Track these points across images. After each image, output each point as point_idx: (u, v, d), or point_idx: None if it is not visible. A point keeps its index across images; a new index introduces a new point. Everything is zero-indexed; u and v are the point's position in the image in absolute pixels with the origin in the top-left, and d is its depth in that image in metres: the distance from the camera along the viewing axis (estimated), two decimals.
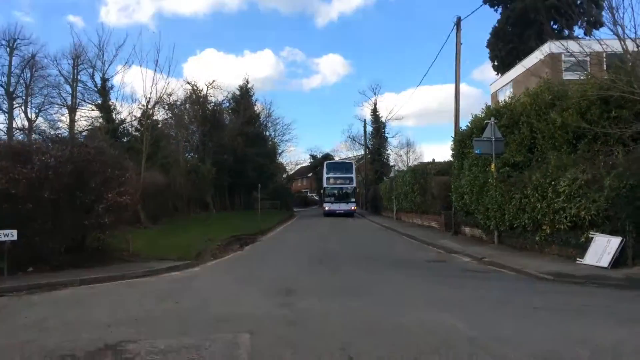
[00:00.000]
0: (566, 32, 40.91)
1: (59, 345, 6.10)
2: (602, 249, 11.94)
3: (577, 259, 12.67)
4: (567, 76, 24.67)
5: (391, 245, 20.81)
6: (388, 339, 6.23)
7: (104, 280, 11.41)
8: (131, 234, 16.22)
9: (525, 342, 5.98)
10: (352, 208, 44.67)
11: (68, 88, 31.93)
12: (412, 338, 6.24)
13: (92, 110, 29.52)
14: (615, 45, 15.02)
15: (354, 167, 48.87)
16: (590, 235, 12.51)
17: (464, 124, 23.51)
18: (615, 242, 11.70)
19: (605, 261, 11.65)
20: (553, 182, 13.97)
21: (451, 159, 26.70)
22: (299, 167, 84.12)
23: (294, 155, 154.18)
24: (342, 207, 43.91)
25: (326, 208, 44.96)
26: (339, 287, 10.68)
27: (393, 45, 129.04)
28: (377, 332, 6.58)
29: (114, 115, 30.06)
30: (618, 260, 11.56)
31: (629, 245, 11.54)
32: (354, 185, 46.43)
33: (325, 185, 46.76)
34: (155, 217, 28.96)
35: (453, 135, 23.14)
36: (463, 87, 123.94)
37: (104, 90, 29.44)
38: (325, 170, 47.80)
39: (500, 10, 43.25)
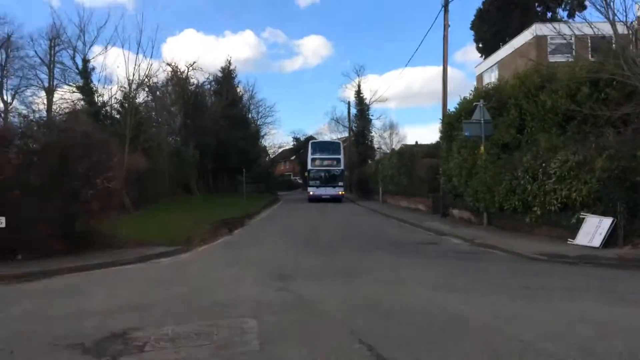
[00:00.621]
0: (549, 14, 41.27)
1: (64, 334, 5.95)
2: (594, 229, 12.09)
3: (569, 239, 12.81)
4: (552, 58, 24.91)
5: (380, 228, 20.84)
6: (394, 321, 6.21)
7: (95, 267, 11.20)
8: (118, 219, 15.95)
9: (531, 322, 6.01)
10: (340, 193, 40.69)
11: (45, 69, 31.23)
12: (419, 320, 6.22)
13: (73, 92, 28.89)
14: (604, 28, 15.13)
15: (341, 147, 44.77)
16: (581, 216, 12.65)
17: (449, 106, 23.62)
18: (606, 222, 11.85)
19: (597, 241, 11.81)
20: (544, 164, 14.08)
21: (437, 141, 26.87)
22: (281, 150, 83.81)
23: (277, 138, 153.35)
24: (328, 191, 40.03)
25: (310, 193, 40.90)
26: (334, 269, 10.66)
27: (375, 26, 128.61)
28: (381, 315, 6.56)
29: (95, 98, 29.45)
30: (609, 241, 11.73)
31: (620, 225, 11.69)
32: (342, 167, 42.16)
33: (310, 167, 42.16)
34: (139, 202, 28.59)
35: (441, 118, 23.16)
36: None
37: (86, 72, 28.77)
38: (310, 150, 43.44)
39: None
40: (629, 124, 13.06)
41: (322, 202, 38.20)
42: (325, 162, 41.50)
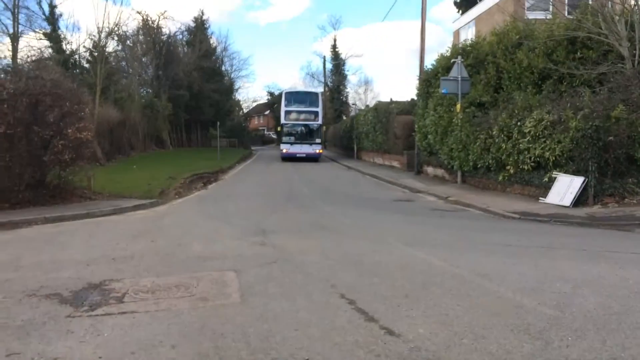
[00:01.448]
0: None
1: (40, 284, 5.88)
2: (565, 188, 12.35)
3: (540, 198, 13.09)
4: (531, 15, 24.82)
5: (356, 184, 20.98)
6: (373, 275, 6.27)
7: (69, 218, 11.08)
8: (91, 171, 15.70)
9: (507, 278, 6.15)
10: (318, 151, 36.01)
11: (9, 15, 29.87)
12: (397, 275, 6.30)
13: (40, 39, 27.73)
14: None
15: (320, 98, 38.58)
16: (553, 175, 12.90)
17: (426, 62, 23.51)
18: (577, 181, 12.11)
19: (567, 200, 12.09)
20: (519, 123, 14.20)
21: (413, 98, 26.86)
22: (255, 104, 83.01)
23: (251, 92, 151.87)
24: (304, 149, 35.47)
25: (284, 150, 36.29)
26: (311, 224, 10.73)
27: None
28: (360, 269, 6.61)
29: (64, 46, 28.37)
30: (579, 200, 12.03)
31: (591, 184, 11.98)
32: (320, 122, 36.73)
33: (283, 120, 36.89)
34: (111, 154, 28.23)
35: (418, 75, 23.04)
36: None
37: (53, 18, 27.57)
38: (284, 102, 37.74)
39: None
40: (605, 84, 13.20)
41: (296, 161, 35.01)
42: (302, 116, 36.62)
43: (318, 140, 36.31)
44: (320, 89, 61.80)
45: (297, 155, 35.30)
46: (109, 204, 12.98)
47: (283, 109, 37.26)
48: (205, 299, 5.39)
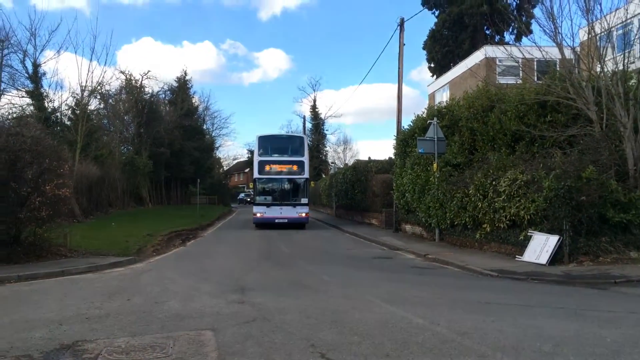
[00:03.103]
0: (497, 37, 42.87)
1: (11, 344, 5.73)
2: (541, 246, 12.54)
3: (517, 256, 13.24)
4: (502, 80, 25.85)
5: (335, 242, 20.96)
6: (353, 334, 6.25)
7: (43, 276, 10.87)
8: (68, 228, 15.51)
9: (487, 336, 6.16)
10: (304, 214, 26.87)
11: None
12: (378, 333, 6.28)
13: (22, 97, 27.90)
14: (551, 52, 15.90)
15: (305, 144, 29.16)
16: (529, 234, 13.10)
17: (403, 123, 24.14)
18: (553, 240, 12.32)
19: (543, 258, 12.25)
20: (494, 182, 14.52)
21: (391, 157, 27.31)
22: (236, 162, 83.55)
23: (232, 150, 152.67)
24: (285, 212, 26.60)
25: (257, 214, 26.80)
26: (291, 282, 10.67)
27: (334, 42, 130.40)
28: (340, 328, 6.58)
29: (46, 103, 28.54)
30: (555, 258, 12.18)
31: (566, 243, 12.17)
32: (306, 175, 27.40)
33: (257, 174, 27.38)
34: (89, 210, 27.94)
35: (396, 135, 23.57)
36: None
37: (36, 77, 27.85)
38: (258, 149, 27.97)
39: (437, 13, 44.50)
40: (575, 145, 13.69)
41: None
42: (285, 168, 27.46)
43: (304, 200, 27.20)
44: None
45: (276, 220, 26.56)
46: (85, 261, 12.78)
47: (257, 158, 27.70)
48: (182, 359, 5.29)
